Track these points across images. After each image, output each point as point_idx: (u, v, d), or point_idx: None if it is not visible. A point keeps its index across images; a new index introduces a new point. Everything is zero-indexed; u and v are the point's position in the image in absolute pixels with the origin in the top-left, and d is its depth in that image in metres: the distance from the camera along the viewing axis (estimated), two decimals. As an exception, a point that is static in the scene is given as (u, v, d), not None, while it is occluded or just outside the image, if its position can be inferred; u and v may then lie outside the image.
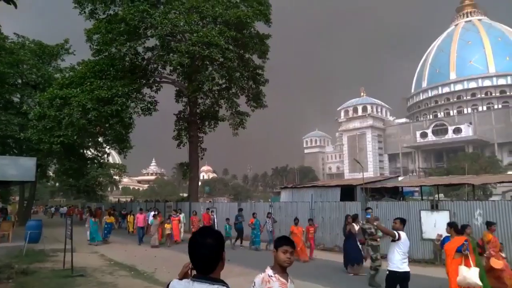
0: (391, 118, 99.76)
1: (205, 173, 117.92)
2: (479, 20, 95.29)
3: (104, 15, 20.79)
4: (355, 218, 10.90)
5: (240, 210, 17.20)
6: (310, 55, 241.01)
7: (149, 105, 23.56)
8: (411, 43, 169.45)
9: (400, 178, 46.96)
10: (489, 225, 8.16)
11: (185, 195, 32.55)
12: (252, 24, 20.19)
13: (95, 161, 29.62)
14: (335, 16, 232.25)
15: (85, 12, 20.54)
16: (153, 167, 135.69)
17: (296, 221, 12.86)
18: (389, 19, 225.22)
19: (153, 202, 30.59)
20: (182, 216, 18.09)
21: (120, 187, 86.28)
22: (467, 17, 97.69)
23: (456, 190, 32.91)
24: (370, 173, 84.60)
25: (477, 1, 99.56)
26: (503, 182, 16.45)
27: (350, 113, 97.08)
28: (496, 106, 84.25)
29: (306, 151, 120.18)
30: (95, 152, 29.04)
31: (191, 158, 23.90)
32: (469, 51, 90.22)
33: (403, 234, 5.62)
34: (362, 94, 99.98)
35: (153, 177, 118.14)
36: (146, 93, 23.64)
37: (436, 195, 20.61)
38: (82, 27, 20.72)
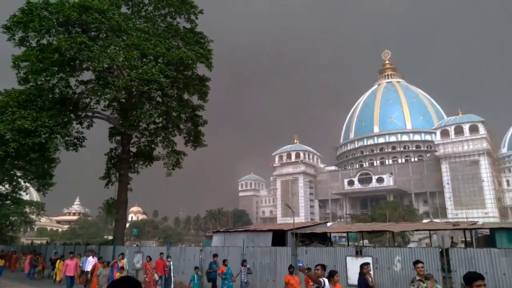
0: (322, 165, 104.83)
1: (134, 214, 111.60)
2: (398, 82, 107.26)
3: (36, 44, 19.76)
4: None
5: (215, 256, 14.63)
6: (249, 101, 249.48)
7: (75, 140, 22.14)
8: (341, 97, 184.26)
9: (329, 224, 48.68)
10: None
11: (111, 237, 30.28)
12: (194, 66, 20.54)
13: (9, 197, 26.60)
14: (272, 67, 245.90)
15: (14, 38, 19.35)
16: (76, 206, 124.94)
17: (291, 269, 11.15)
18: (321, 75, 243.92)
19: (73, 245, 27.85)
20: (124, 261, 15.49)
21: (36, 227, 77.79)
22: (388, 78, 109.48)
23: (379, 236, 34.88)
24: (301, 218, 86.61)
25: (396, 66, 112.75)
26: (418, 230, 17.85)
27: (284, 159, 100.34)
28: (412, 159, 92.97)
29: (241, 194, 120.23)
30: (10, 188, 26.18)
31: (119, 198, 22.59)
32: (390, 108, 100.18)
33: (326, 281, 5.69)
34: (295, 141, 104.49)
35: (75, 217, 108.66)
36: (74, 127, 22.23)
37: (361, 241, 21.63)
38: (8, 51, 19.39)
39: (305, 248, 14.87)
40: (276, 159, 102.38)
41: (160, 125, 22.64)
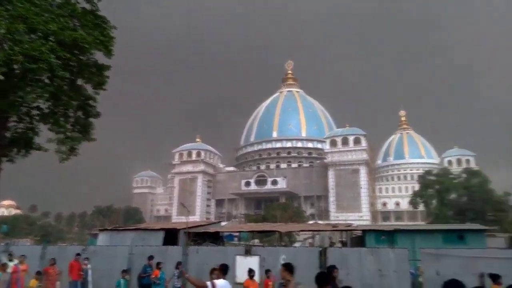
0: (221, 166, 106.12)
1: (5, 208, 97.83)
2: (298, 92, 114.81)
3: None
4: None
5: (151, 258, 13.00)
6: (152, 97, 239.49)
7: None
8: (245, 100, 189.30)
9: (223, 223, 49.49)
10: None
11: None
12: (90, 51, 18.84)
13: None
14: (179, 65, 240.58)
15: None
16: None
17: (251, 273, 10.53)
18: (228, 77, 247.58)
19: None
20: (13, 263, 12.01)
21: None
22: (289, 87, 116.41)
23: (269, 236, 36.74)
24: (197, 217, 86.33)
25: (297, 77, 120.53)
26: (303, 230, 19.37)
27: (184, 157, 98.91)
28: (304, 165, 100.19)
29: (135, 191, 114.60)
30: None
31: (-14, 190, 19.48)
32: (289, 116, 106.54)
33: (220, 282, 5.51)
34: (197, 139, 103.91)
35: None
36: None
37: (252, 240, 22.58)
38: None
39: (196, 247, 14.94)
40: (176, 156, 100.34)
41: (47, 110, 20.19)
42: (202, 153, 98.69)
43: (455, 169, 67.52)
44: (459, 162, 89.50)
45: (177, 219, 79.21)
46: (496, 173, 68.99)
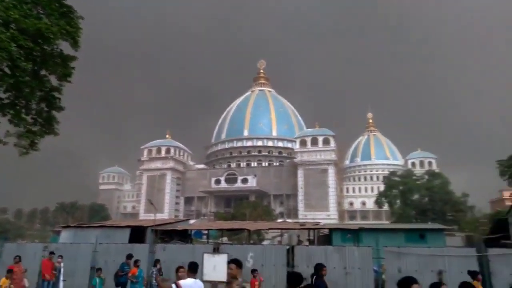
0: (191, 163, 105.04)
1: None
2: (269, 91, 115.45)
3: None
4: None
5: (129, 257, 12.37)
6: (122, 91, 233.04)
7: None
8: (217, 98, 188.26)
9: (192, 221, 49.03)
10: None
11: None
12: (55, 41, 18.02)
13: None
14: (151, 60, 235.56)
15: None
16: None
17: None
18: (201, 74, 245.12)
19: None
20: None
21: None
22: (261, 87, 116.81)
23: (238, 234, 36.77)
24: (165, 214, 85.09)
25: (269, 76, 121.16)
26: (272, 228, 19.55)
27: (154, 153, 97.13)
28: (274, 164, 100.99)
29: (101, 187, 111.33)
30: None
31: None
32: (260, 115, 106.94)
33: (187, 282, 5.30)
34: (167, 136, 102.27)
35: None
36: None
37: (221, 239, 22.52)
38: None
39: (164, 245, 14.73)
40: (145, 152, 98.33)
41: (6, 101, 19.17)
42: (172, 150, 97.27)
43: (418, 170, 70.17)
44: (422, 164, 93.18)
45: (145, 217, 77.74)
46: (456, 175, 72.50)
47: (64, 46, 18.93)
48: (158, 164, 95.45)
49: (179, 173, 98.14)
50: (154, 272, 12.00)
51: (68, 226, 20.28)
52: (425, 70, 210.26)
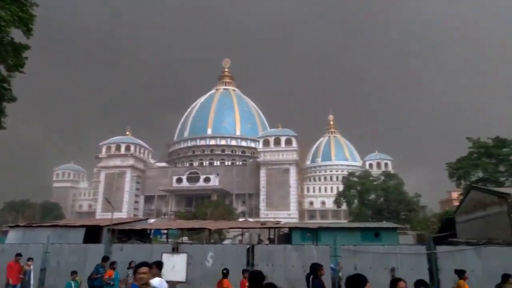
0: (152, 161, 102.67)
1: None
2: (234, 90, 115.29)
3: None
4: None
5: (105, 259, 11.67)
6: (78, 85, 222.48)
7: None
8: (180, 95, 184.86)
9: (152, 220, 47.95)
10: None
11: None
12: (7, 29, 16.98)
13: None
14: (112, 55, 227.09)
15: None
16: None
17: (224, 271, 10.02)
18: (164, 70, 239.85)
19: None
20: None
21: None
22: (226, 85, 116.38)
23: (199, 233, 36.43)
24: (124, 213, 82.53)
25: (233, 75, 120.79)
26: (232, 228, 19.55)
27: (113, 150, 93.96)
28: (237, 163, 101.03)
29: (55, 185, 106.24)
30: None
31: None
32: (224, 113, 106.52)
33: (154, 281, 5.21)
34: (128, 133, 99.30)
35: None
36: None
37: (181, 238, 22.20)
38: None
39: (121, 245, 14.30)
40: (103, 149, 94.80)
41: None
42: (132, 147, 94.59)
43: (375, 171, 72.94)
44: (378, 165, 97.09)
45: (102, 216, 74.98)
46: (410, 176, 76.23)
47: (15, 34, 17.87)
48: (117, 162, 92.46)
49: (139, 171, 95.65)
50: (130, 275, 11.22)
51: (16, 226, 19.13)
52: (385, 75, 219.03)
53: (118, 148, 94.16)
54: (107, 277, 10.92)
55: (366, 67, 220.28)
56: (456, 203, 32.35)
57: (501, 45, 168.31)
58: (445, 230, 24.30)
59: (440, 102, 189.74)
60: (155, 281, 5.15)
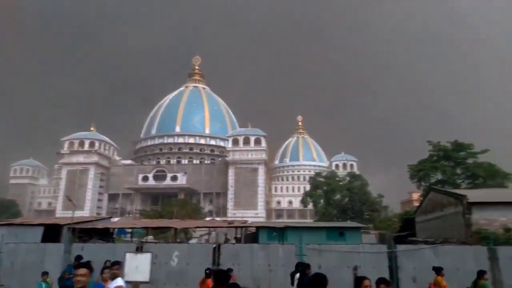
0: (117, 158, 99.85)
1: None
2: (204, 88, 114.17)
3: None
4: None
5: (78, 258, 10.73)
6: (42, 79, 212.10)
7: None
8: (148, 92, 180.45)
9: (116, 219, 46.70)
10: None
11: None
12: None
13: None
14: (78, 46, 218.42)
15: None
16: None
17: (207, 270, 9.74)
18: (133, 65, 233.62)
19: None
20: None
21: None
22: (196, 83, 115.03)
23: (165, 233, 35.82)
24: (86, 212, 79.78)
25: (203, 73, 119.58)
26: (199, 227, 19.36)
27: (76, 146, 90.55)
28: (206, 161, 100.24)
29: (12, 181, 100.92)
30: None
31: None
32: (193, 111, 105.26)
33: (117, 281, 5.18)
34: (92, 129, 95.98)
35: None
36: None
37: (146, 237, 21.73)
38: None
39: (81, 244, 13.82)
40: (66, 145, 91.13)
41: None
42: (97, 144, 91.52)
43: (340, 172, 74.57)
44: (344, 166, 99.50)
45: (62, 214, 72.05)
46: (374, 177, 78.65)
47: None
48: (80, 158, 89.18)
49: (104, 168, 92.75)
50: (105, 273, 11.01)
51: (-33, 224, 17.99)
52: (353, 77, 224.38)
53: (81, 144, 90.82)
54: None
55: (335, 69, 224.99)
56: (416, 204, 33.73)
57: (462, 45, 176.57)
58: (406, 229, 25.31)
59: (406, 106, 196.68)
60: (117, 281, 5.15)
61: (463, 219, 17.38)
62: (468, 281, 9.09)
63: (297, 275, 8.11)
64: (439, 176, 37.62)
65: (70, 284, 10.42)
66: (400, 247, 12.39)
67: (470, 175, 35.70)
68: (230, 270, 8.37)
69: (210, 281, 10.51)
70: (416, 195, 57.00)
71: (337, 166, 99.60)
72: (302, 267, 8.26)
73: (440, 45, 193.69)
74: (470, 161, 36.47)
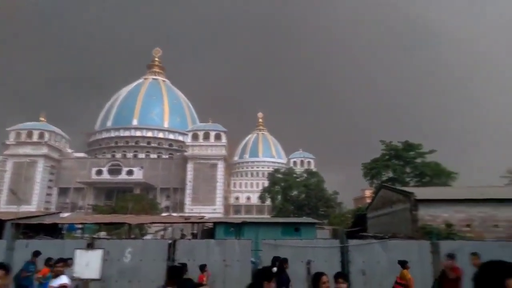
0: (69, 151, 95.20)
1: None
2: (164, 81, 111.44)
3: None
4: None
5: (36, 254, 10.29)
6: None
7: None
8: (104, 82, 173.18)
9: (65, 214, 44.55)
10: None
11: None
12: None
13: None
14: (32, 32, 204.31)
15: None
16: None
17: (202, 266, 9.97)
18: (88, 53, 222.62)
19: None
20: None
21: None
22: (155, 75, 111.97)
23: (119, 228, 34.73)
24: (33, 206, 75.43)
25: (164, 66, 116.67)
26: (154, 222, 18.98)
27: (23, 137, 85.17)
28: (164, 156, 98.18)
29: None
30: None
31: None
32: (152, 104, 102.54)
33: (61, 279, 5.05)
34: (42, 119, 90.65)
35: None
36: None
37: (99, 233, 20.95)
38: None
39: (26, 241, 13.04)
40: (12, 135, 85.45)
41: None
42: (47, 135, 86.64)
43: (298, 169, 76.11)
44: (302, 163, 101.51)
45: (6, 209, 67.41)
46: (329, 174, 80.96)
47: None
48: (28, 150, 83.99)
49: (54, 161, 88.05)
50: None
51: None
52: (314, 76, 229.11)
53: (29, 135, 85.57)
54: (41, 275, 9.36)
55: (297, 68, 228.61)
56: (369, 201, 35.22)
57: (417, 50, 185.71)
58: (358, 225, 26.39)
59: (363, 107, 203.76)
60: (61, 280, 4.95)
61: (410, 215, 18.39)
62: (413, 273, 9.63)
63: (274, 269, 8.08)
64: (390, 174, 39.52)
65: (27, 283, 10.07)
66: (352, 242, 12.87)
67: (418, 173, 37.82)
68: (184, 265, 8.32)
69: (201, 276, 10.33)
70: (368, 192, 59.42)
71: (295, 163, 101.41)
72: (279, 261, 8.35)
73: (396, 50, 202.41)
74: (418, 160, 38.62)
